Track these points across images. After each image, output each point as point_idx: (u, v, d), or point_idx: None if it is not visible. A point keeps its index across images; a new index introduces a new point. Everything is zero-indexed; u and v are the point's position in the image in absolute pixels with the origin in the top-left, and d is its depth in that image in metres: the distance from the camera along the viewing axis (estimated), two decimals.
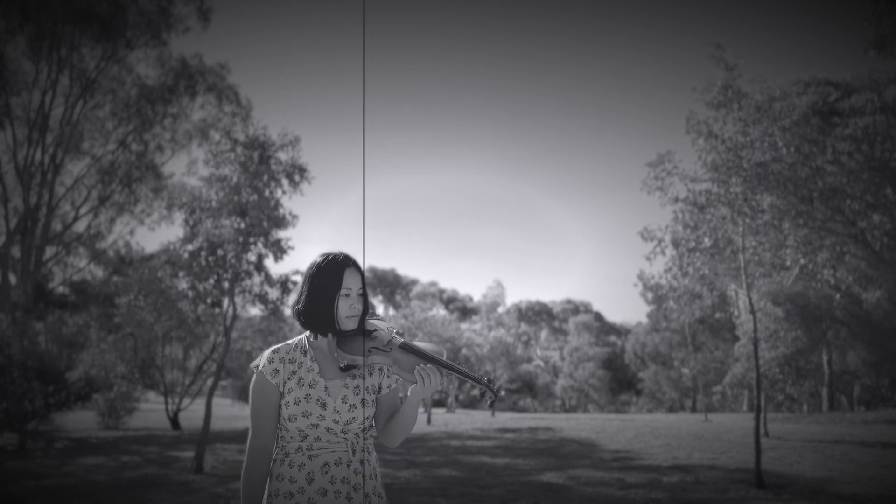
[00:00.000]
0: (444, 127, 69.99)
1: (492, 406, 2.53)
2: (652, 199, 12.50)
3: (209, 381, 19.31)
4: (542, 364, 50.87)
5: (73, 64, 22.30)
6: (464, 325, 34.24)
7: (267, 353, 2.62)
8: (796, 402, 26.69)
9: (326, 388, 2.53)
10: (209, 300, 13.51)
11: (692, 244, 12.24)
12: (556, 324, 54.76)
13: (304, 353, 2.60)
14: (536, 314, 55.27)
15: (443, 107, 67.01)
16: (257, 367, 2.58)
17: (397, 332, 2.61)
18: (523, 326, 48.02)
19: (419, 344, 2.58)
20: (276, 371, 2.56)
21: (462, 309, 50.57)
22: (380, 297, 56.58)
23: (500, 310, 30.48)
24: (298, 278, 18.72)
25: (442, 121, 68.91)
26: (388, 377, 2.63)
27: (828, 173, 14.50)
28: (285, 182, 12.75)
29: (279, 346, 2.64)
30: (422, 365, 2.47)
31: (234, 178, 12.56)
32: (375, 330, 2.60)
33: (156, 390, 27.80)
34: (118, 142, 23.71)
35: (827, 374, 27.76)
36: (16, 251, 22.38)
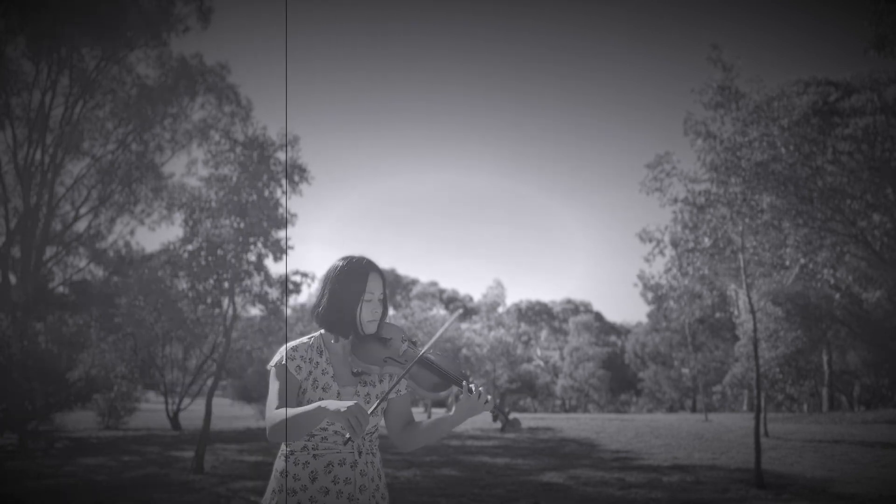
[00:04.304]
0: (445, 126, 69.98)
1: (503, 430, 2.55)
2: (652, 198, 12.52)
3: (209, 381, 19.31)
4: (542, 364, 50.84)
5: (73, 64, 22.27)
6: (464, 325, 34.21)
7: (286, 350, 2.55)
8: (796, 402, 26.70)
9: (339, 394, 2.52)
10: (209, 300, 13.50)
11: (692, 244, 12.25)
12: (556, 324, 54.72)
13: (320, 353, 2.58)
14: (536, 314, 55.24)
15: (443, 106, 67.00)
16: (280, 361, 2.53)
17: (412, 341, 2.61)
18: (523, 326, 47.95)
19: (434, 358, 2.55)
20: (299, 368, 2.54)
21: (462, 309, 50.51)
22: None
23: (500, 310, 30.41)
24: (298, 278, 18.72)
25: (442, 120, 68.90)
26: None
27: (828, 173, 14.48)
28: (285, 182, 12.75)
29: (296, 343, 2.59)
30: (473, 385, 2.44)
31: (234, 178, 12.56)
32: (391, 339, 2.60)
33: (156, 390, 27.82)
34: (118, 142, 23.69)
35: (827, 374, 27.74)
36: (16, 251, 22.37)
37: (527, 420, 23.64)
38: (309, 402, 2.49)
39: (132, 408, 24.05)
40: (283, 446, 2.54)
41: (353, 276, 2.55)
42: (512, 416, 2.46)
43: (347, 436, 2.30)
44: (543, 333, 55.50)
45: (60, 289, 26.18)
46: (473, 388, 2.43)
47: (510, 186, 77.83)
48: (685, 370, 37.56)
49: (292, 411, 2.35)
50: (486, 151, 73.53)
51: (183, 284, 14.19)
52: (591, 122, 68.04)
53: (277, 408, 2.43)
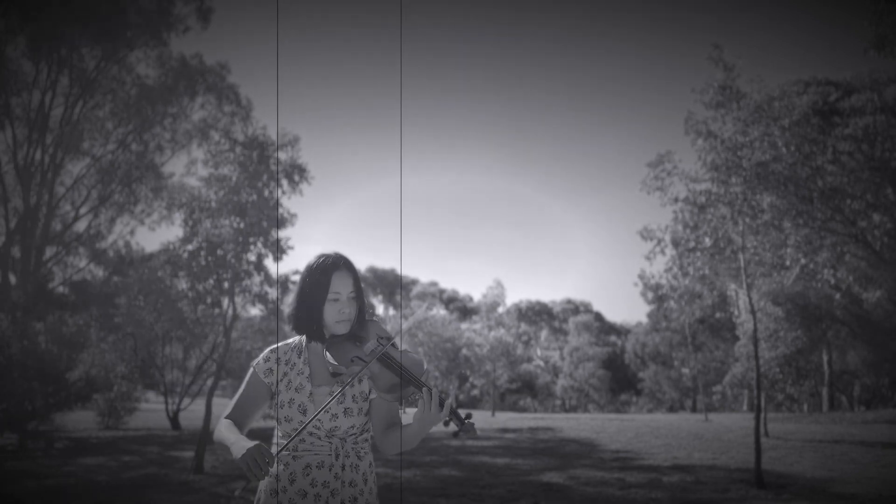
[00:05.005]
0: (445, 127, 69.99)
1: (456, 435, 2.31)
2: (652, 198, 12.52)
3: (209, 381, 19.30)
4: (542, 364, 50.84)
5: (73, 64, 22.27)
6: (464, 325, 34.20)
7: (266, 351, 2.59)
8: (796, 402, 26.70)
9: (311, 394, 2.48)
10: (209, 300, 13.49)
11: (692, 244, 12.26)
12: (556, 324, 54.70)
13: (299, 354, 2.56)
14: (536, 314, 55.21)
15: (443, 107, 67.02)
16: (255, 363, 2.57)
17: (387, 340, 2.46)
18: (523, 326, 47.95)
19: (397, 356, 2.42)
20: (271, 371, 2.54)
21: (462, 309, 50.53)
22: (380, 297, 56.59)
23: (500, 310, 30.38)
24: (298, 278, 18.75)
25: (442, 121, 68.90)
26: None
27: (828, 173, 14.49)
28: (285, 182, 12.75)
29: (279, 344, 2.59)
30: (434, 391, 2.31)
31: (234, 178, 12.56)
32: (365, 338, 2.51)
33: (156, 390, 27.79)
34: (118, 142, 23.69)
35: (827, 374, 27.74)
36: (16, 251, 22.36)
37: (527, 420, 23.62)
38: (281, 403, 2.48)
39: (132, 408, 24.04)
40: (271, 446, 2.51)
41: (316, 276, 2.48)
42: (468, 420, 2.26)
43: (248, 480, 2.25)
44: (543, 333, 55.48)
45: (60, 289, 26.17)
46: (430, 394, 2.30)
47: (510, 186, 77.87)
48: (685, 370, 37.54)
49: (225, 431, 2.41)
50: (487, 151, 73.56)
51: (183, 284, 14.18)
52: (592, 121, 68.08)
53: (227, 416, 2.50)
